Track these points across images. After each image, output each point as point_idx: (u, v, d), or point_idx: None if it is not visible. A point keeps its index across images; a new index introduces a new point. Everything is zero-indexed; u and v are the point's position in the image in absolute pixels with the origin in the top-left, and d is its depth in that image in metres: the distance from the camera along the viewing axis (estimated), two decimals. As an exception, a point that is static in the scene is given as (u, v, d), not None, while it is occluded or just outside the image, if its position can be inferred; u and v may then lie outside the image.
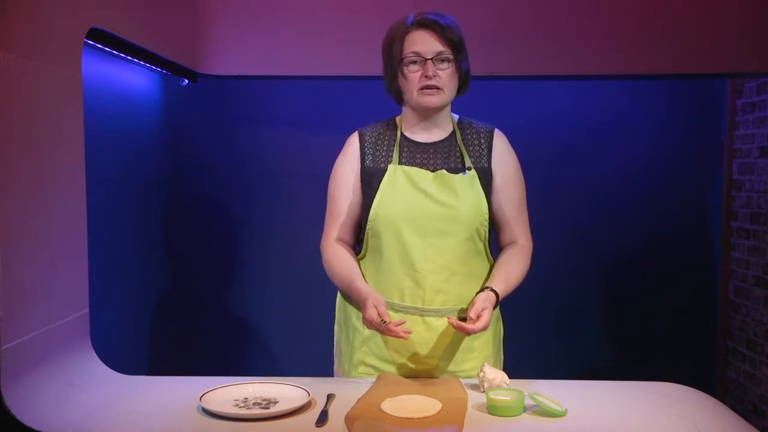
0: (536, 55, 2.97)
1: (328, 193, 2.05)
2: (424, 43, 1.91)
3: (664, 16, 2.94)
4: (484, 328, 1.81)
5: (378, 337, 1.97)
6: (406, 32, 1.94)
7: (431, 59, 1.90)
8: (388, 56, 1.98)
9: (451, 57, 1.92)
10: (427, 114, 1.99)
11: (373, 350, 1.98)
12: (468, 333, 1.82)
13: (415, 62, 1.92)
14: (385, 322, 1.76)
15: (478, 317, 1.81)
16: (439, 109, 1.98)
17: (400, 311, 1.93)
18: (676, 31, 2.94)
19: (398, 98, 2.03)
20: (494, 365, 2.03)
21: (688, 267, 3.61)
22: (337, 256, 1.98)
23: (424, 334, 1.94)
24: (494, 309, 1.91)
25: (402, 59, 1.93)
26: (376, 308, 1.79)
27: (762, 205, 3.26)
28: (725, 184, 3.54)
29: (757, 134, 3.31)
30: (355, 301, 1.95)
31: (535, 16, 2.97)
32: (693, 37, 2.93)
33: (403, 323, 1.81)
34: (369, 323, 1.80)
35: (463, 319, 1.96)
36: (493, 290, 1.90)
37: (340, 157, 2.05)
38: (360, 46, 2.91)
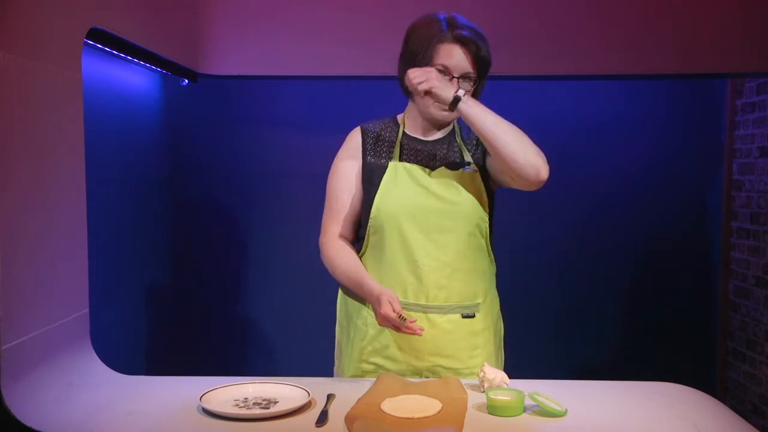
0: (536, 55, 2.97)
1: (328, 188, 2.04)
2: (457, 59, 1.89)
3: (664, 16, 2.94)
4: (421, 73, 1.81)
5: (380, 335, 1.97)
6: (442, 40, 1.89)
7: (458, 77, 1.90)
8: (413, 51, 1.93)
9: (475, 78, 1.92)
10: (434, 122, 1.99)
11: (376, 348, 1.98)
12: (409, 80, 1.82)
13: (440, 72, 1.90)
14: (404, 319, 1.77)
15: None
16: (448, 123, 2.00)
17: (403, 308, 1.92)
18: (676, 31, 2.94)
19: (407, 91, 2.01)
20: (495, 363, 2.03)
21: (688, 267, 3.61)
22: (340, 252, 1.98)
23: (428, 331, 1.93)
24: (459, 95, 1.85)
25: (430, 66, 1.90)
26: (391, 305, 1.79)
27: (762, 205, 3.26)
28: (725, 184, 3.54)
29: (757, 134, 3.31)
30: (362, 297, 1.95)
31: (535, 16, 2.97)
32: (693, 37, 2.93)
33: (415, 321, 1.82)
34: (384, 319, 1.80)
35: (468, 317, 1.96)
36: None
37: (341, 151, 2.05)
38: (360, 46, 2.91)
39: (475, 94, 1.97)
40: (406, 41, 1.97)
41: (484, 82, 1.98)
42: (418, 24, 1.95)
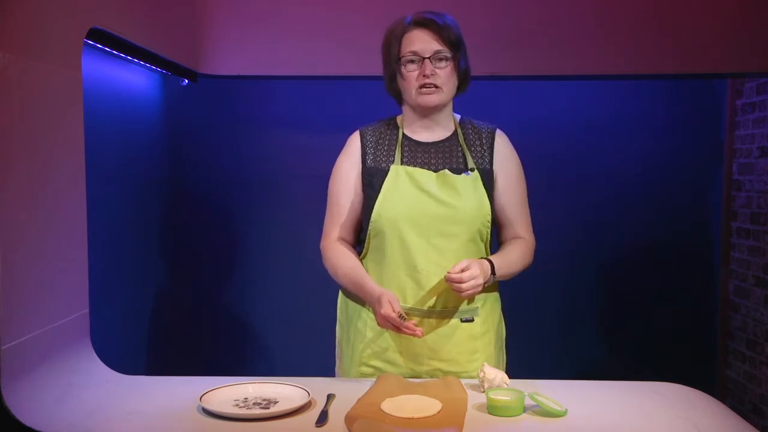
0: (536, 55, 2.97)
1: (329, 193, 2.05)
2: (421, 42, 1.91)
3: (665, 16, 2.94)
4: (472, 280, 1.82)
5: (380, 338, 1.97)
6: (404, 32, 1.94)
7: (429, 58, 1.90)
8: (386, 56, 1.99)
9: (449, 56, 1.92)
10: (426, 113, 1.99)
11: (376, 351, 1.98)
12: (459, 290, 1.82)
13: (413, 61, 1.92)
14: (404, 318, 1.77)
15: (462, 270, 1.82)
16: (438, 108, 1.98)
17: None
18: (676, 31, 2.94)
19: (398, 98, 2.03)
20: (496, 366, 2.03)
21: (688, 267, 3.61)
22: (341, 255, 1.98)
23: (427, 335, 1.94)
24: (490, 280, 1.90)
25: (400, 59, 1.93)
26: (391, 305, 1.79)
27: (762, 205, 3.26)
28: (725, 184, 3.54)
29: (757, 134, 3.31)
30: (363, 299, 1.94)
31: (535, 16, 2.97)
32: (693, 37, 2.93)
33: (415, 322, 1.82)
34: (384, 320, 1.80)
35: (467, 321, 1.96)
36: (485, 258, 1.92)
37: (341, 156, 2.05)
38: (360, 46, 2.91)
39: (461, 74, 1.97)
40: (382, 52, 2.01)
41: (461, 60, 1.96)
42: (387, 30, 2.00)
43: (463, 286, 1.81)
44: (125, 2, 2.23)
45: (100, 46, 2.18)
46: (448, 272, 1.83)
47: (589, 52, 2.97)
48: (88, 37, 1.93)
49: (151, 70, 2.99)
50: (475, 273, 1.82)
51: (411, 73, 1.92)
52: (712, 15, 2.91)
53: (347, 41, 2.97)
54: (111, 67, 2.68)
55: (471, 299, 1.96)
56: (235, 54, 3.02)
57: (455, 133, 2.03)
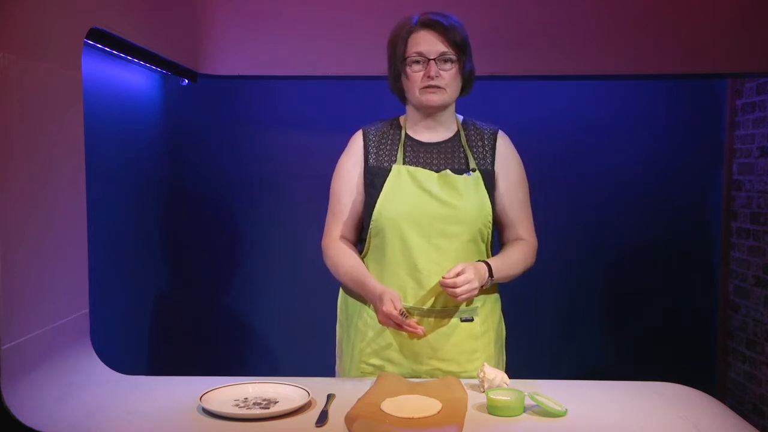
0: (536, 55, 2.97)
1: (331, 191, 2.05)
2: (427, 43, 1.91)
3: (664, 16, 2.94)
4: (467, 284, 1.81)
5: (380, 337, 1.97)
6: (410, 32, 1.94)
7: (434, 59, 1.91)
8: (392, 56, 1.99)
9: (454, 57, 1.92)
10: (429, 113, 1.99)
11: (376, 350, 1.98)
12: (454, 295, 1.82)
13: (418, 62, 1.92)
14: (406, 315, 1.77)
15: (457, 275, 1.81)
16: (441, 109, 1.98)
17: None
18: (676, 31, 2.94)
19: (402, 97, 2.03)
20: (496, 366, 2.03)
21: (688, 267, 3.61)
22: (342, 253, 1.98)
23: (427, 334, 1.93)
24: (488, 283, 1.91)
25: (405, 59, 1.93)
26: (393, 303, 1.79)
27: (762, 205, 3.26)
28: (725, 184, 3.54)
29: (757, 134, 3.31)
30: (365, 297, 1.95)
31: (535, 16, 2.97)
32: (693, 37, 2.93)
33: (416, 320, 1.81)
34: (386, 317, 1.80)
35: (467, 320, 1.96)
36: (483, 261, 1.91)
37: (343, 155, 2.05)
38: (360, 46, 2.91)
39: (465, 76, 1.97)
40: (387, 50, 2.01)
41: (466, 62, 1.96)
42: (393, 29, 2.00)
43: (458, 290, 1.81)
44: (125, 2, 2.23)
45: (100, 46, 2.18)
46: (443, 277, 1.83)
47: (589, 52, 2.97)
48: (88, 37, 1.93)
49: (151, 70, 2.99)
50: (470, 277, 1.82)
51: (415, 74, 1.93)
52: (712, 15, 2.91)
53: (347, 41, 2.96)
54: (111, 67, 2.68)
55: (470, 300, 1.96)
56: (235, 54, 3.02)
57: (458, 133, 2.03)
